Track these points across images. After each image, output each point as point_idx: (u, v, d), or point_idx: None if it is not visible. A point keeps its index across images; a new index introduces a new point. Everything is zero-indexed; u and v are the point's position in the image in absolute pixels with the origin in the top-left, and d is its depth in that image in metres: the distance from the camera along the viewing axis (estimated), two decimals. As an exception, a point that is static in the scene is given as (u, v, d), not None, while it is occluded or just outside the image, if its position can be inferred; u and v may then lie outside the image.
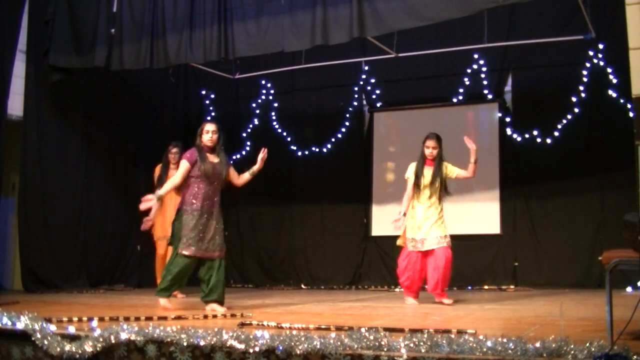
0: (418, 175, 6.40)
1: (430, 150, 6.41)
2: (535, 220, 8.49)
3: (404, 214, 6.42)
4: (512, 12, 8.43)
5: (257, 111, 10.02)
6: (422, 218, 6.35)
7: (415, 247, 6.36)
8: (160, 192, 5.73)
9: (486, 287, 8.43)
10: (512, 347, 2.95)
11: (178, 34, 7.22)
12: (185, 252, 5.54)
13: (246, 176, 5.93)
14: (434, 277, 6.26)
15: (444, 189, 6.43)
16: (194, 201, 5.59)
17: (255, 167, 5.88)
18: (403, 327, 3.98)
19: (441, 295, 6.28)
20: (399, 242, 6.69)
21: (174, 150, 7.52)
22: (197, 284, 6.00)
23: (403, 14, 6.26)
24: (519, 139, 8.57)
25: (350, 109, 9.54)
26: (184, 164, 5.65)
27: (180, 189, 5.75)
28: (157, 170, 7.68)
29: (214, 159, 5.72)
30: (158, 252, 7.72)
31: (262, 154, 5.85)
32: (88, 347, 3.54)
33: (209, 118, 10.02)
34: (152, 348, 3.48)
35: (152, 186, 7.77)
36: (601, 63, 8.18)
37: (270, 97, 9.96)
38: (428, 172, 6.39)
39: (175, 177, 5.70)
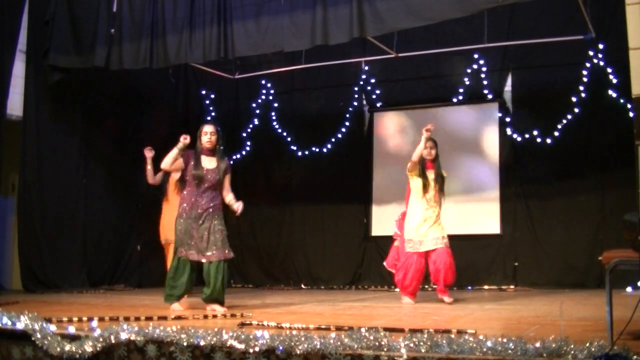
0: (423, 178, 6.41)
1: (428, 150, 6.42)
2: (535, 220, 8.49)
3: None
4: (512, 12, 8.43)
5: (257, 111, 10.01)
6: (420, 219, 6.38)
7: (414, 247, 6.38)
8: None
9: (486, 287, 8.43)
10: (512, 347, 2.95)
11: (178, 34, 7.22)
12: (178, 255, 5.58)
13: (230, 201, 5.76)
14: (437, 275, 6.31)
15: (442, 189, 6.48)
16: (185, 205, 5.63)
17: (233, 206, 5.74)
18: (403, 327, 3.99)
19: (443, 292, 6.32)
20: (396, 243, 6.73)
21: None
22: (197, 284, 6.01)
23: (403, 14, 6.26)
24: (519, 139, 8.57)
25: (350, 109, 9.54)
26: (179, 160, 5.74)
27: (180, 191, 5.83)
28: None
29: (210, 163, 5.69)
30: (167, 256, 7.72)
31: (238, 208, 5.72)
32: (88, 347, 3.55)
33: (209, 118, 10.03)
34: (152, 348, 3.48)
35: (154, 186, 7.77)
36: (601, 63, 8.17)
37: (270, 97, 9.95)
38: (431, 174, 6.45)
39: (167, 157, 5.69)
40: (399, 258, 6.68)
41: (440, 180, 6.46)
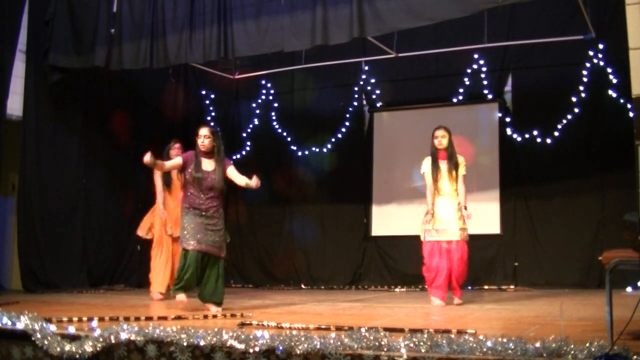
0: (435, 170, 6.34)
1: (439, 140, 6.35)
2: (535, 220, 8.48)
3: (432, 212, 6.29)
4: (512, 12, 8.43)
5: (257, 111, 10.01)
6: (442, 209, 6.30)
7: (433, 236, 6.24)
8: (159, 164, 5.74)
9: (486, 287, 8.42)
10: (512, 347, 2.96)
11: (178, 34, 7.22)
12: (187, 247, 5.57)
13: (243, 183, 5.71)
14: (449, 270, 6.24)
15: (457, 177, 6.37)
16: (187, 202, 5.67)
17: (250, 184, 5.59)
18: (403, 327, 3.99)
19: (454, 291, 6.26)
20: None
21: (177, 145, 7.42)
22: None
23: (403, 14, 6.26)
24: (519, 139, 8.57)
25: (350, 109, 9.54)
26: (178, 159, 5.88)
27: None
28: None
29: (209, 166, 5.68)
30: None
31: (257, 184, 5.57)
32: (88, 347, 3.55)
33: (209, 119, 10.03)
34: (152, 348, 3.48)
35: (152, 187, 7.74)
36: (601, 63, 8.17)
37: (270, 97, 9.95)
38: (443, 164, 6.36)
39: (167, 163, 5.94)
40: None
41: (455, 168, 6.34)
